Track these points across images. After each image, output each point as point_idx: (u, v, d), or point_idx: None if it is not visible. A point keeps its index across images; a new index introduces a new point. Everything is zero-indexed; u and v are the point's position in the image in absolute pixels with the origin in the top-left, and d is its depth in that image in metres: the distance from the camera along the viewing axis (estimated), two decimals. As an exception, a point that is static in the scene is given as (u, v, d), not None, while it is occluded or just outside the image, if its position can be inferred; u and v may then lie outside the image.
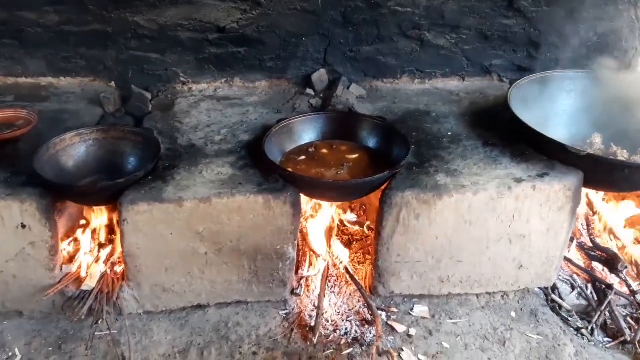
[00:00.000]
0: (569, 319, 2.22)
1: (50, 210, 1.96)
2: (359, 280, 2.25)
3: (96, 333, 2.04)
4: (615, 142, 2.36)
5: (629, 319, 2.20)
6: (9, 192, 1.93)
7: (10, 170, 2.03)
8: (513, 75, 2.82)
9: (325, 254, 2.36)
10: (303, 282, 2.28)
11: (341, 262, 2.34)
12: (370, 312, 2.16)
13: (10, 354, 1.99)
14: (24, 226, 1.94)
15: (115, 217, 2.21)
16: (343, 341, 2.07)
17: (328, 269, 2.30)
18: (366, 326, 2.13)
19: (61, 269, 2.08)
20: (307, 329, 2.12)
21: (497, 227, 2.11)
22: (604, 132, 2.40)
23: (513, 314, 2.24)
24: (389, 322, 2.16)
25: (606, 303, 2.20)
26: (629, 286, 2.29)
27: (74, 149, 2.15)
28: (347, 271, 2.30)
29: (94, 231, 2.25)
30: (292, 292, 2.23)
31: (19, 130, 2.21)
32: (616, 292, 2.24)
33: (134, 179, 1.99)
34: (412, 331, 2.13)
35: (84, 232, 2.21)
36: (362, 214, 2.64)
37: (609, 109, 2.44)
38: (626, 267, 2.32)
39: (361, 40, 2.68)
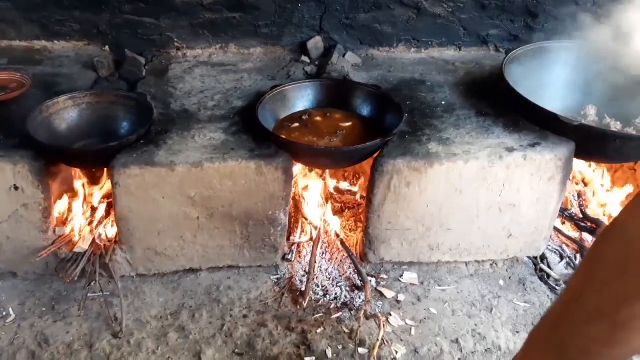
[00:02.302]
0: (557, 287, 2.25)
1: (42, 172, 1.97)
2: (349, 247, 2.28)
3: (89, 294, 2.08)
4: (610, 114, 2.36)
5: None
6: (1, 154, 1.94)
7: (3, 132, 2.03)
8: (510, 45, 2.80)
9: (316, 221, 2.37)
10: (294, 247, 2.30)
11: (332, 229, 2.36)
12: (359, 278, 2.19)
13: (4, 313, 2.03)
14: (16, 188, 1.96)
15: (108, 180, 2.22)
16: (332, 305, 2.11)
17: (319, 235, 2.32)
18: (355, 291, 2.16)
19: (54, 231, 2.10)
20: (298, 293, 2.15)
21: (487, 196, 2.12)
22: (598, 103, 2.39)
23: (501, 282, 2.27)
24: (378, 288, 2.19)
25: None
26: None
27: (67, 112, 2.15)
28: (338, 237, 2.32)
29: (87, 194, 2.26)
30: (283, 258, 2.26)
31: (12, 92, 2.21)
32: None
33: (126, 142, 1.99)
34: (401, 297, 2.16)
35: (77, 195, 2.23)
36: (355, 181, 2.65)
37: (604, 81, 2.42)
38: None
39: (357, 7, 2.65)
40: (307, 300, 2.10)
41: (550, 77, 2.50)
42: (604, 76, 2.41)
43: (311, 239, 2.32)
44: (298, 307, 2.09)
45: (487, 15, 2.74)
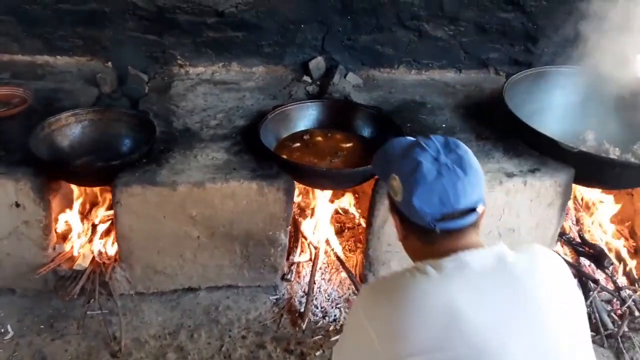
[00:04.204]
0: (554, 312, 2.25)
1: (44, 189, 1.97)
2: (349, 268, 2.28)
3: (88, 312, 2.07)
4: (609, 139, 2.38)
5: (612, 314, 2.24)
6: (3, 171, 1.94)
7: (5, 148, 2.03)
8: (510, 68, 2.83)
9: (316, 241, 2.38)
10: (294, 268, 2.30)
11: (332, 250, 2.37)
12: (359, 300, 2.19)
13: (2, 330, 2.01)
14: (17, 205, 1.96)
15: (109, 199, 2.22)
16: (332, 328, 2.10)
17: (318, 256, 2.32)
18: (355, 313, 2.16)
19: (54, 248, 2.10)
20: (297, 314, 2.15)
21: (487, 220, 2.08)
22: (597, 128, 2.41)
23: (499, 305, 2.27)
24: (377, 310, 2.18)
25: (591, 298, 2.23)
26: (614, 282, 2.33)
27: (70, 129, 2.16)
28: (338, 258, 2.32)
29: (88, 211, 2.26)
30: (283, 278, 2.25)
31: (14, 108, 2.22)
32: (601, 288, 2.27)
33: (129, 160, 2.00)
34: (400, 320, 2.15)
35: (78, 212, 2.22)
36: (356, 202, 2.65)
37: (603, 106, 2.45)
38: (612, 264, 2.36)
39: (359, 29, 2.67)
40: (306, 322, 2.09)
41: (550, 102, 2.53)
42: (603, 101, 2.44)
43: (311, 259, 2.32)
44: (297, 328, 2.09)
45: (487, 39, 2.77)
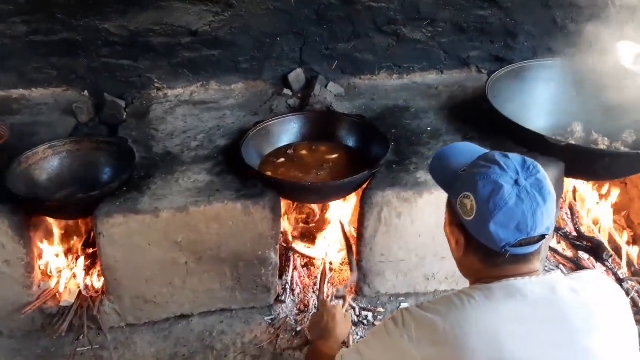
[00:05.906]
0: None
1: (23, 227, 1.92)
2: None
3: (78, 349, 2.01)
4: (596, 129, 2.34)
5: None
6: (-21, 211, 1.89)
7: (-18, 187, 1.98)
8: (491, 66, 2.80)
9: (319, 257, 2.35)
10: (287, 286, 2.25)
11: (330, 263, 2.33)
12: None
13: (-10, 375, 1.96)
14: (-4, 244, 1.90)
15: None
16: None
17: (325, 273, 2.28)
18: (353, 328, 2.11)
19: (39, 286, 2.05)
20: (293, 334, 2.09)
21: (479, 222, 2.08)
22: (585, 119, 2.38)
23: (500, 307, 2.22)
24: (376, 323, 2.13)
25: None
26: (615, 274, 2.29)
27: (47, 162, 2.11)
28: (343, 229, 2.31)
29: (71, 245, 2.20)
30: (277, 300, 2.19)
31: (-9, 145, 2.17)
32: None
33: (108, 190, 1.95)
34: (399, 331, 2.10)
35: (61, 246, 2.17)
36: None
37: (588, 96, 2.42)
38: (611, 256, 2.31)
39: (336, 38, 2.64)
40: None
41: (535, 96, 2.49)
42: (587, 91, 2.41)
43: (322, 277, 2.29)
44: (295, 348, 2.03)
45: (467, 38, 2.74)
